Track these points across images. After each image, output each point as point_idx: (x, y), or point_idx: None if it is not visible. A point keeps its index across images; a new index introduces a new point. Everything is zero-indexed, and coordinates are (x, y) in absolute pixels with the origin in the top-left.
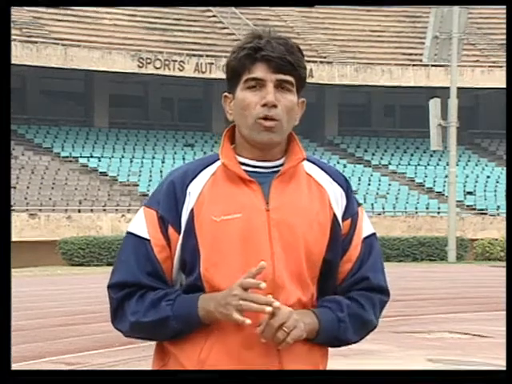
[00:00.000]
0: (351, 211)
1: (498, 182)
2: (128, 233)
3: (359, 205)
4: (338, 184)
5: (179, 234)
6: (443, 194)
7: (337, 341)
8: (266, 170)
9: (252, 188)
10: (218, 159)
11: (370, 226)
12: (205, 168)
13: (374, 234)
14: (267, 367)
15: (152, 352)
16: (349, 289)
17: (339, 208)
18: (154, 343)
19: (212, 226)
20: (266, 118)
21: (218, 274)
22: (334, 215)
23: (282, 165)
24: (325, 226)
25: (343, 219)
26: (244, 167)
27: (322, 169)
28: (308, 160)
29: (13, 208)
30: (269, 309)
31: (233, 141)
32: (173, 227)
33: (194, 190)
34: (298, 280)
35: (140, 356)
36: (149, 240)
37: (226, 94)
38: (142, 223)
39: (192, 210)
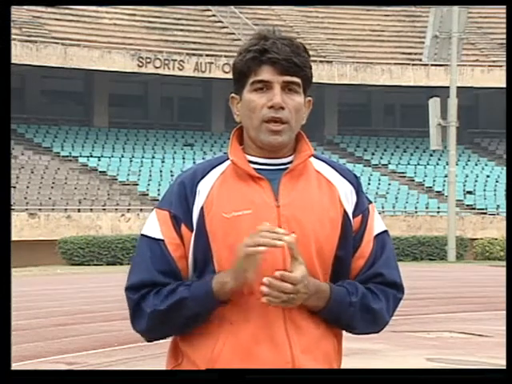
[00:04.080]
0: (361, 208)
1: (497, 182)
2: (142, 235)
3: (370, 202)
4: (348, 181)
5: (192, 232)
6: (443, 194)
7: (341, 324)
8: (275, 167)
9: (261, 185)
10: (228, 159)
11: (382, 223)
12: (214, 167)
13: (386, 231)
14: (279, 362)
15: (152, 352)
16: (363, 284)
17: (349, 204)
18: (155, 343)
19: (223, 223)
20: (273, 121)
21: None
22: (345, 211)
23: (290, 162)
24: (335, 222)
25: (354, 216)
26: (253, 165)
27: (332, 166)
28: (317, 158)
29: (12, 207)
30: (280, 243)
31: (241, 141)
32: (185, 225)
33: (204, 188)
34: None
35: (139, 356)
36: (163, 240)
37: (233, 95)
38: (154, 225)
39: (202, 208)
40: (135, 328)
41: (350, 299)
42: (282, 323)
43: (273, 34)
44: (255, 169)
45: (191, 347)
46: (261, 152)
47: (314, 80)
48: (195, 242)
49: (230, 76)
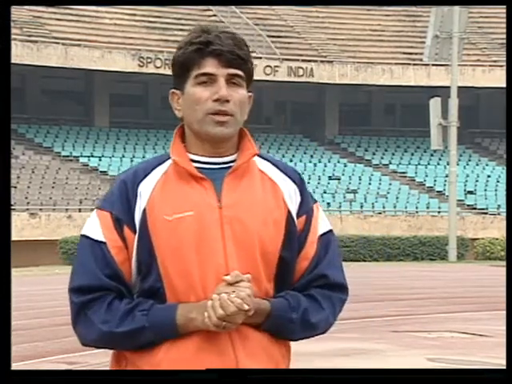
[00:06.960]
0: (306, 208)
1: (498, 182)
2: (83, 236)
3: (315, 201)
4: (292, 180)
5: (135, 234)
6: (444, 194)
7: (280, 336)
8: (218, 166)
9: (203, 185)
10: (169, 158)
11: (327, 222)
12: (156, 167)
13: (330, 230)
14: (223, 366)
15: None
16: (307, 286)
17: (293, 204)
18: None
19: (165, 226)
20: (217, 113)
21: (176, 273)
22: (289, 212)
23: (233, 161)
24: (280, 223)
25: (298, 216)
26: (195, 164)
27: (275, 165)
28: (261, 157)
29: (13, 207)
30: (247, 307)
31: (184, 139)
32: (128, 227)
33: (145, 189)
34: (252, 278)
35: None
36: (105, 242)
37: (173, 90)
38: (96, 226)
39: (144, 210)
40: (77, 331)
41: (290, 316)
42: (226, 332)
43: (214, 28)
44: (197, 168)
45: (135, 353)
46: (203, 149)
47: (315, 80)
48: (138, 244)
49: None
